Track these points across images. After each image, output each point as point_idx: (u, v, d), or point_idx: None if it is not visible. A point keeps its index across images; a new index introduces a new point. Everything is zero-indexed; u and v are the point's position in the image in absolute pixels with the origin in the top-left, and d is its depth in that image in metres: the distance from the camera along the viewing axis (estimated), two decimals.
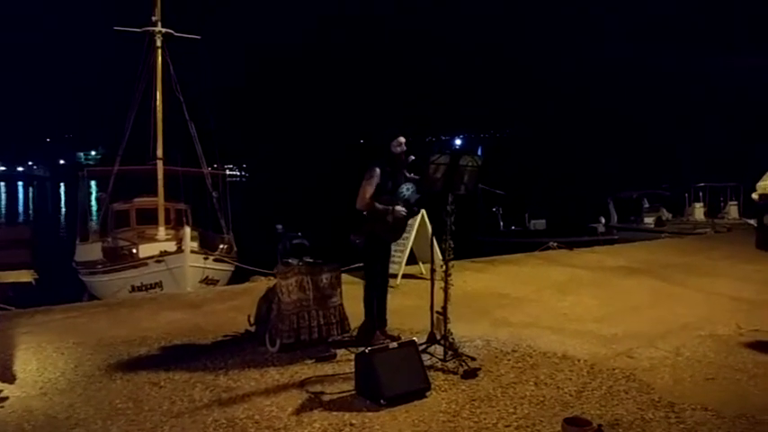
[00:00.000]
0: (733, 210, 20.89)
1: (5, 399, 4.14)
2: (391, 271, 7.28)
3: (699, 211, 21.01)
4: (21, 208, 61.70)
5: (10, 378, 4.54)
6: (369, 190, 5.06)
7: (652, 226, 20.62)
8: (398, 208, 5.07)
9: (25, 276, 6.08)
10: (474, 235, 19.32)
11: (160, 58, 14.12)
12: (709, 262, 10.04)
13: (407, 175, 5.24)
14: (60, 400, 4.13)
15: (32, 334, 5.78)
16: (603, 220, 21.79)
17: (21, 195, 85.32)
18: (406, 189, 5.19)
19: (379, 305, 5.33)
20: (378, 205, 5.05)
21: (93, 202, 21.91)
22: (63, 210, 51.63)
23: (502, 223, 22.87)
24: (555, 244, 12.49)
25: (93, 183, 19.39)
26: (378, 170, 5.10)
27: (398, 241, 6.03)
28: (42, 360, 4.99)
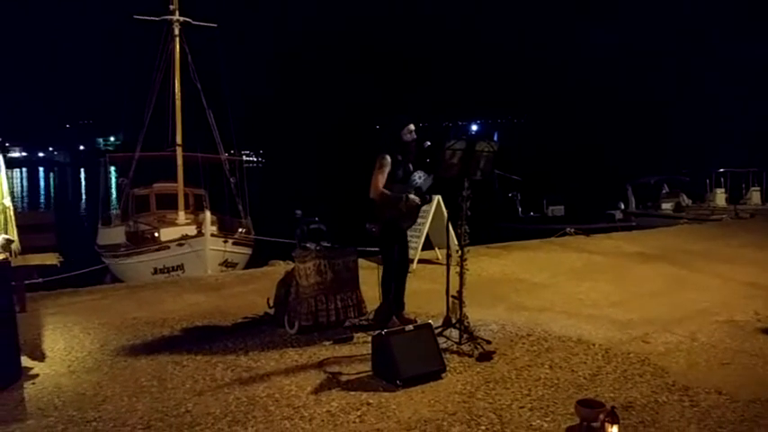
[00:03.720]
0: (755, 195, 20.57)
1: (36, 376, 4.30)
2: None
3: (720, 196, 20.71)
4: (42, 193, 62.67)
5: (39, 356, 4.71)
6: (381, 179, 5.06)
7: (670, 212, 20.39)
8: (412, 196, 5.05)
9: (50, 259, 6.25)
10: (492, 221, 19.26)
11: (178, 47, 14.25)
12: (728, 248, 9.95)
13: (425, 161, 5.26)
14: (88, 378, 4.28)
15: (59, 315, 5.96)
16: (623, 206, 21.60)
17: (42, 181, 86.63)
18: (419, 177, 5.18)
19: (398, 289, 5.38)
20: (391, 194, 5.05)
21: (113, 188, 22.25)
22: (83, 195, 52.41)
23: (520, 209, 22.79)
24: (572, 230, 12.48)
25: (112, 168, 19.66)
26: (388, 158, 5.10)
27: (414, 226, 6.06)
28: (69, 340, 5.15)
